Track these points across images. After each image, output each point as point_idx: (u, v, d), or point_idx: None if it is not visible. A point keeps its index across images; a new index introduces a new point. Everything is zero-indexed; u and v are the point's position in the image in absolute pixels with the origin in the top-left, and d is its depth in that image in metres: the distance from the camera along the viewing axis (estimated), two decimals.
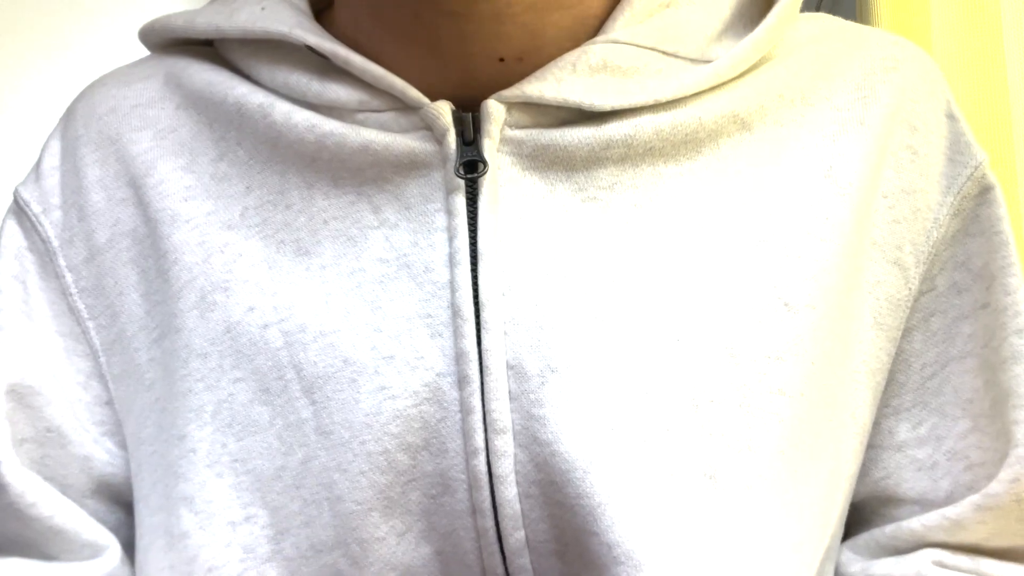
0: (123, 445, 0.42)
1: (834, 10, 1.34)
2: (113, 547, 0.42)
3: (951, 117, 0.43)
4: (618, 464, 0.35)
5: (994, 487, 0.40)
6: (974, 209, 0.42)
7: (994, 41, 0.78)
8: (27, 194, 0.44)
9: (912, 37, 0.80)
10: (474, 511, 0.36)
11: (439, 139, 0.38)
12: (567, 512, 0.35)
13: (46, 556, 0.41)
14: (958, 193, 0.42)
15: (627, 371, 0.35)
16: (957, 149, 0.42)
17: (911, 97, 0.42)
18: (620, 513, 0.34)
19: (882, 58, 0.43)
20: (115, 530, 0.43)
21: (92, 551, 0.41)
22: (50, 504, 0.40)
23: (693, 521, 0.35)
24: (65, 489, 0.42)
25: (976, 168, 0.42)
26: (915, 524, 0.41)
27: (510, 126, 0.38)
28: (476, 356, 0.36)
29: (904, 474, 0.42)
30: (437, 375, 0.36)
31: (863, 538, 0.43)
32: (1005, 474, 0.39)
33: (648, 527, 0.34)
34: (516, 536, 0.36)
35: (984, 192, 0.42)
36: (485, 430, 0.35)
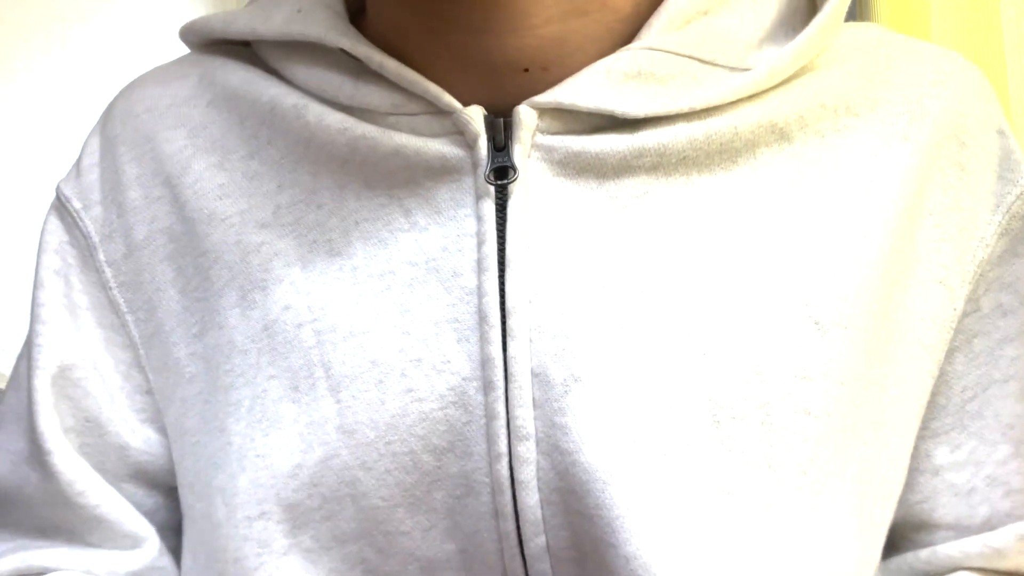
0: (163, 432, 0.43)
1: None
2: (152, 539, 0.43)
3: (1001, 133, 0.41)
4: (637, 477, 0.35)
5: None
6: (1023, 229, 0.41)
7: (994, 41, 0.78)
8: (68, 190, 0.44)
9: (911, 36, 0.80)
10: (496, 514, 0.37)
11: (470, 144, 0.38)
12: (586, 522, 0.35)
13: (88, 544, 0.43)
14: (1007, 212, 0.40)
15: (650, 383, 0.36)
16: (1007, 166, 0.41)
17: (960, 112, 0.41)
18: (638, 526, 0.35)
19: (931, 71, 0.41)
20: (152, 513, 0.44)
21: (132, 542, 0.43)
22: (97, 493, 0.42)
23: (710, 536, 0.35)
24: (103, 475, 0.43)
25: None
26: (952, 550, 0.41)
27: (542, 132, 0.38)
28: (502, 362, 0.36)
29: (940, 499, 0.42)
30: (463, 379, 0.36)
31: (895, 562, 0.43)
32: None
33: (665, 541, 0.35)
34: (536, 542, 0.36)
35: None
36: (508, 436, 0.36)
